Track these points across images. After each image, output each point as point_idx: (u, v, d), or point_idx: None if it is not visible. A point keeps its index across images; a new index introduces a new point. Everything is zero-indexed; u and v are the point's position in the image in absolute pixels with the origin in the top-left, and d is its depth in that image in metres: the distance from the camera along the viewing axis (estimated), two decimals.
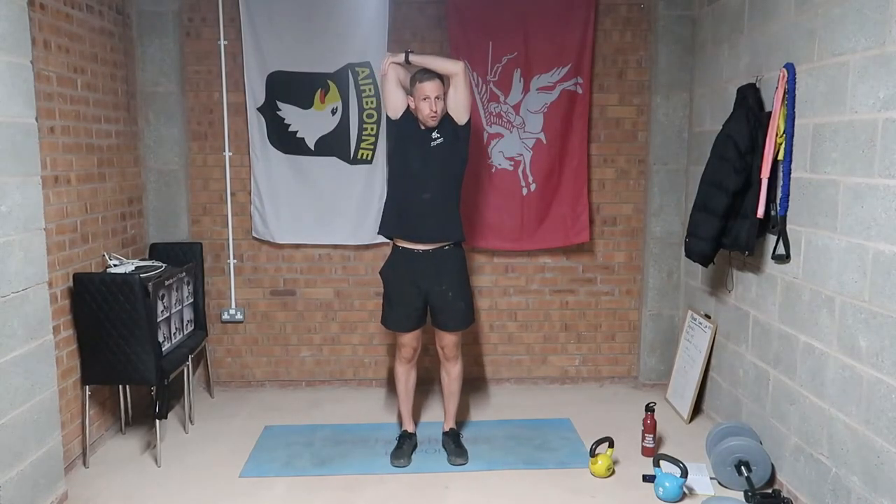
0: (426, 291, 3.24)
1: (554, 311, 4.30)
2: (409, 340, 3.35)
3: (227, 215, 4.15)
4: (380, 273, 3.40)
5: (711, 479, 3.08)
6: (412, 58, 3.13)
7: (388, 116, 3.25)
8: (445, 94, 3.13)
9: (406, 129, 3.20)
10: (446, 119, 3.16)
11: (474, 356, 4.30)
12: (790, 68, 2.84)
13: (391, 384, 4.03)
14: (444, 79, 3.12)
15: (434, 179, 3.18)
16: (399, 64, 3.16)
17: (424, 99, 3.07)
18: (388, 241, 3.41)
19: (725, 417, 3.53)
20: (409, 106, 3.18)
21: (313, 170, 4.06)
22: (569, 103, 4.01)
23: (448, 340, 3.34)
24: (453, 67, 3.11)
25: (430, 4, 4.03)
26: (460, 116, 3.16)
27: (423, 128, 3.17)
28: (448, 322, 3.29)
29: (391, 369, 4.09)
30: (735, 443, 3.01)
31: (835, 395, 2.60)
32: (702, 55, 3.85)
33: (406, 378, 3.45)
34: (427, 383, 4.17)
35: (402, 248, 3.26)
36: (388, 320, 3.37)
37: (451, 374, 3.41)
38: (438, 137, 3.16)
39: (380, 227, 3.37)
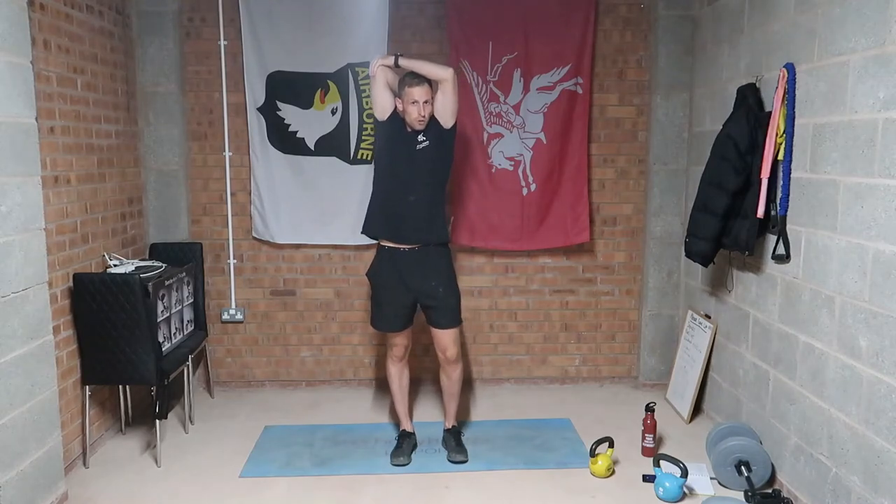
0: (416, 290, 3.25)
1: (554, 311, 4.30)
2: (400, 339, 3.36)
3: (227, 215, 4.15)
4: (367, 275, 3.40)
5: (711, 479, 3.08)
6: (402, 61, 3.14)
7: (374, 117, 3.27)
8: (433, 97, 3.14)
9: (392, 131, 3.22)
10: (432, 122, 3.18)
11: (474, 356, 4.30)
12: (790, 68, 2.84)
13: (388, 385, 4.03)
14: (432, 83, 3.13)
15: (419, 181, 3.20)
16: (388, 66, 3.17)
17: (413, 103, 3.09)
18: (374, 240, 3.40)
19: (725, 417, 3.53)
20: (396, 108, 3.19)
21: (313, 170, 4.06)
22: (569, 103, 4.01)
23: (447, 340, 3.32)
24: (443, 73, 3.12)
25: (430, 4, 4.03)
26: (447, 120, 3.18)
27: (409, 130, 3.18)
28: (441, 319, 3.29)
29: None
30: (735, 443, 3.01)
31: (835, 395, 2.60)
32: (702, 55, 3.85)
33: (399, 377, 3.45)
34: (426, 383, 4.17)
35: (388, 247, 3.27)
36: (378, 322, 3.37)
37: (452, 377, 3.40)
38: (424, 140, 3.18)
39: (364, 228, 3.37)
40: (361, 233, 3.42)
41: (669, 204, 4.10)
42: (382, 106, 3.20)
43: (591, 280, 4.28)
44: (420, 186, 3.20)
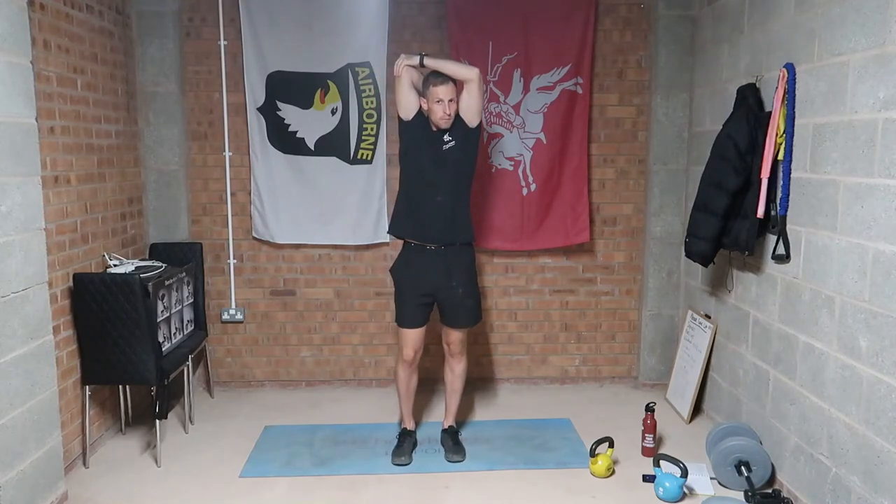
0: (436, 288, 3.26)
1: (554, 311, 4.30)
2: (414, 341, 3.34)
3: (227, 215, 4.15)
4: (390, 271, 3.41)
5: (711, 479, 3.08)
6: (427, 61, 3.14)
7: (399, 117, 3.26)
8: (458, 97, 3.14)
9: (418, 131, 3.21)
10: (457, 121, 3.18)
11: (475, 356, 4.29)
12: (790, 68, 2.84)
13: (391, 384, 4.04)
14: (456, 81, 3.13)
15: (447, 182, 3.21)
16: (413, 66, 3.17)
17: (438, 101, 3.09)
18: (388, 241, 3.41)
19: (725, 417, 3.53)
20: (421, 108, 3.19)
21: (313, 170, 4.06)
22: (569, 103, 4.01)
23: (455, 337, 3.35)
24: (469, 73, 3.12)
25: (430, 4, 4.03)
26: (472, 120, 3.18)
27: (434, 130, 3.18)
28: (457, 319, 3.31)
29: (391, 369, 4.10)
30: (735, 443, 3.01)
31: (835, 395, 2.60)
32: (702, 55, 3.85)
33: (408, 380, 3.45)
34: (428, 384, 4.17)
35: (414, 244, 3.28)
36: (402, 318, 3.34)
37: (455, 371, 3.42)
38: (450, 140, 3.18)
39: (390, 227, 3.40)
40: (388, 232, 3.45)
41: (669, 204, 4.10)
42: (407, 106, 3.20)
43: (591, 280, 4.28)
44: (447, 186, 3.21)
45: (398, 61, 3.19)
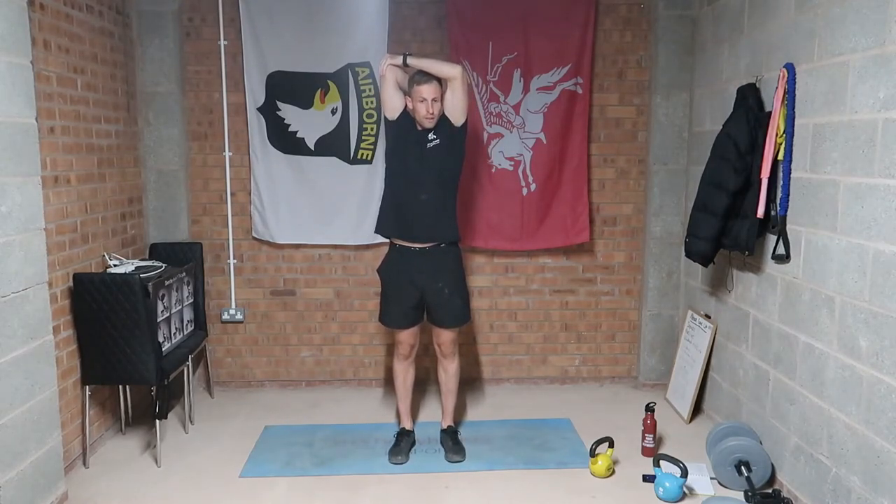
0: (423, 289, 3.26)
1: (554, 311, 4.30)
2: (407, 338, 3.37)
3: (227, 215, 4.15)
4: (377, 271, 3.42)
5: (711, 479, 3.08)
6: (410, 60, 3.15)
7: (385, 117, 3.28)
8: (443, 96, 3.14)
9: (403, 130, 3.22)
10: (443, 120, 3.18)
11: (474, 356, 4.30)
12: (790, 68, 2.84)
13: (391, 384, 4.03)
14: (441, 81, 3.14)
15: (431, 180, 3.21)
16: (397, 66, 3.17)
17: (421, 101, 3.10)
18: (387, 241, 3.42)
19: (725, 417, 3.53)
20: (406, 107, 3.20)
21: (313, 170, 4.06)
22: (569, 103, 4.01)
23: (445, 337, 3.35)
24: (452, 71, 3.12)
25: (430, 4, 4.03)
26: (457, 119, 3.19)
27: (419, 129, 3.19)
28: (445, 319, 3.31)
29: (390, 369, 4.10)
30: (735, 443, 3.01)
31: (835, 395, 2.60)
32: (702, 55, 3.85)
33: (404, 375, 3.46)
34: (427, 383, 4.17)
35: (400, 245, 3.29)
36: (386, 317, 3.39)
37: (449, 371, 3.43)
38: (435, 139, 3.18)
39: (377, 227, 3.40)
40: (375, 232, 3.45)
41: (669, 204, 4.10)
42: (392, 105, 3.21)
43: (591, 280, 4.28)
44: (431, 185, 3.21)
45: (382, 61, 3.21)
